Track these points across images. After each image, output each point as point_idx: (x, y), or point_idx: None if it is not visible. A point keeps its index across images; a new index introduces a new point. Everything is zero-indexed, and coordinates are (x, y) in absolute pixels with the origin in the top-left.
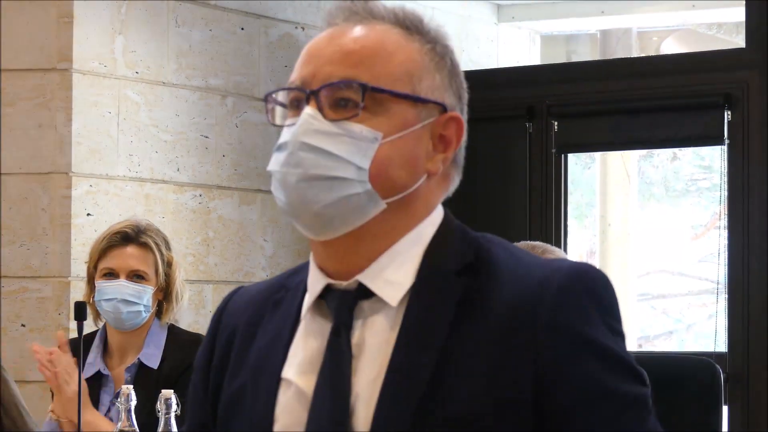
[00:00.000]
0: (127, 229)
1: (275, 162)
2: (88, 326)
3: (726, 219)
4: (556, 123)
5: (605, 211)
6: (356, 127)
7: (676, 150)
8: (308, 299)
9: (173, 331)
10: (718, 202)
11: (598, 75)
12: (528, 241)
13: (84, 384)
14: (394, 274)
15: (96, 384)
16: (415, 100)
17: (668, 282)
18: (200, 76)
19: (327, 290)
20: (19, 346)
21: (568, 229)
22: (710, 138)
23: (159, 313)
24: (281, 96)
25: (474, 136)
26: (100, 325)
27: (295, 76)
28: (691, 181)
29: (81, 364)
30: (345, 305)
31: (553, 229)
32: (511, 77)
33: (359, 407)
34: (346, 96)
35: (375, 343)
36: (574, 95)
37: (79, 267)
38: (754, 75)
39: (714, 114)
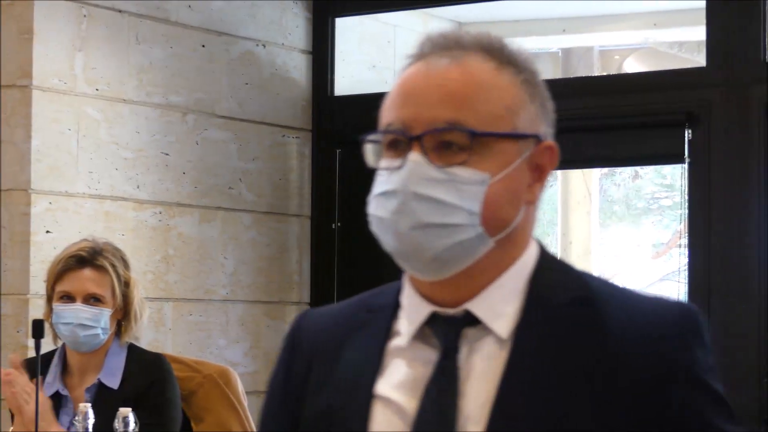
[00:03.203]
0: (82, 252)
1: (382, 208)
2: (47, 345)
3: (687, 237)
4: None
5: (566, 229)
6: (464, 172)
7: (637, 168)
8: (409, 324)
9: (133, 351)
10: (680, 221)
11: (559, 93)
12: None
13: (47, 400)
14: (503, 306)
15: (55, 404)
16: (517, 137)
17: None
18: (161, 93)
19: (430, 316)
20: None
21: None
22: (671, 156)
23: (118, 332)
24: (377, 135)
25: None
26: (59, 344)
27: (392, 117)
28: (652, 200)
29: (39, 381)
30: (452, 330)
31: None
32: None
33: (470, 427)
34: (450, 139)
35: (482, 368)
36: None
37: (37, 285)
38: (715, 93)
39: (675, 132)
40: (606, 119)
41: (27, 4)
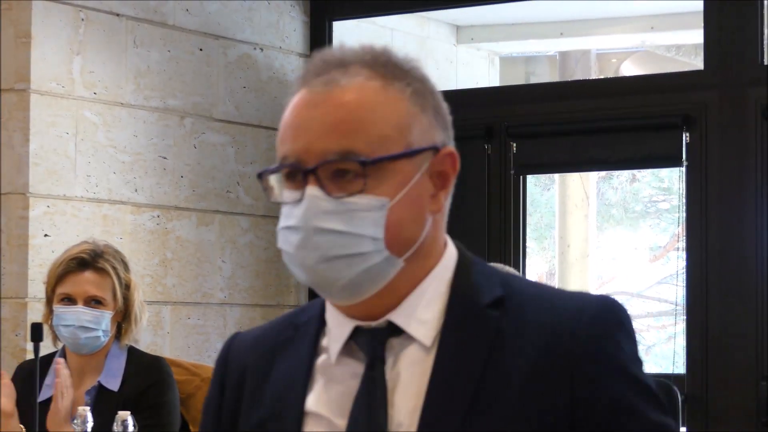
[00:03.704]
0: (83, 255)
1: (287, 243)
2: (46, 348)
3: (685, 240)
4: (514, 144)
5: (564, 233)
6: (362, 200)
7: (635, 171)
8: (334, 341)
9: (133, 354)
10: (677, 224)
11: (556, 96)
12: (493, 263)
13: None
14: (424, 313)
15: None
16: (412, 154)
17: (627, 303)
18: (158, 96)
19: (354, 331)
20: None
21: (527, 250)
22: (669, 159)
23: (118, 335)
24: (275, 169)
25: None
26: (59, 346)
27: (286, 150)
28: (650, 203)
29: (37, 386)
30: (377, 341)
31: (512, 250)
32: (469, 98)
33: None
34: (344, 167)
35: (409, 376)
36: (533, 116)
37: (36, 288)
38: (712, 96)
39: (672, 135)
40: (603, 122)
41: (25, 8)
